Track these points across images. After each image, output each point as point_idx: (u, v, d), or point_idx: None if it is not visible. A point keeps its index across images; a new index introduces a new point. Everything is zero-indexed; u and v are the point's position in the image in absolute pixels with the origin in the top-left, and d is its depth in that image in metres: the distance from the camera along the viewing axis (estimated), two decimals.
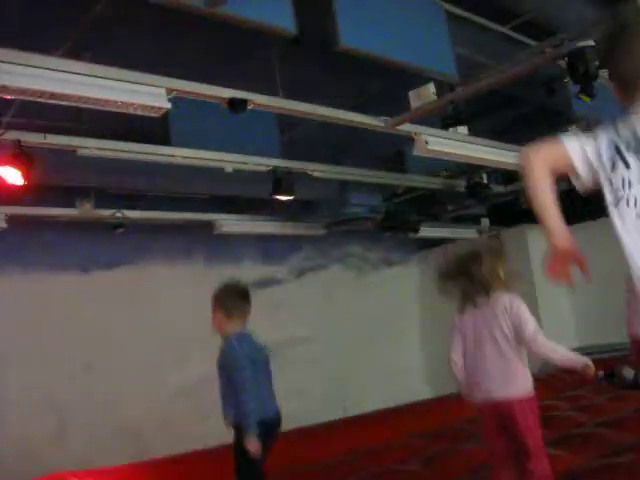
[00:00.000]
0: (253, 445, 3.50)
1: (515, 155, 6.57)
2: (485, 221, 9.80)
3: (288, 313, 8.28)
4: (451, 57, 4.93)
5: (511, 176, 8.17)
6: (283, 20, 3.91)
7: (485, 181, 7.71)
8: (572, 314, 9.08)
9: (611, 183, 1.76)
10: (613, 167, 1.75)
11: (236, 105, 4.42)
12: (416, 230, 8.58)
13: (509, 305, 3.51)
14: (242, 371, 3.62)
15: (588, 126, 6.69)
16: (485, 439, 3.65)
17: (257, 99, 4.56)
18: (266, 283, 8.42)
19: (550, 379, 7.05)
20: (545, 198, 1.80)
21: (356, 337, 8.94)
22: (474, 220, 9.76)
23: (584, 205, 8.63)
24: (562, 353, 3.43)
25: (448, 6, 4.94)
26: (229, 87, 4.44)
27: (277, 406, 3.84)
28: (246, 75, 4.85)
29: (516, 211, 8.87)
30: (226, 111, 4.47)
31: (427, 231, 8.80)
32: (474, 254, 3.69)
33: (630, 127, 1.75)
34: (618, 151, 1.75)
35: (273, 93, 4.78)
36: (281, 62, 4.88)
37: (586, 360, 3.38)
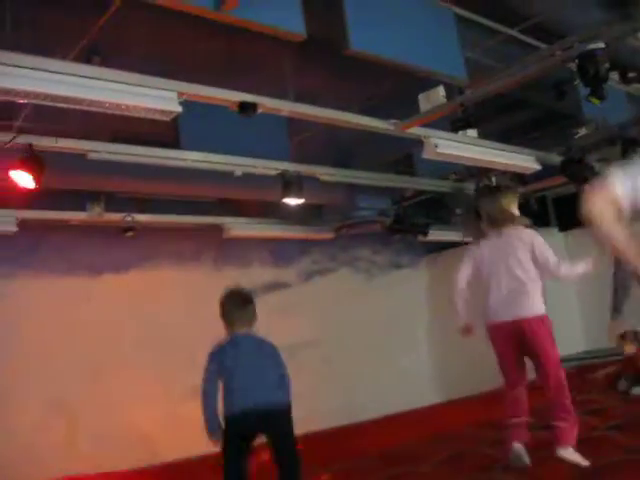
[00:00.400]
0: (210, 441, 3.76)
1: (524, 158, 6.57)
2: None
3: (297, 316, 8.27)
4: (460, 60, 4.94)
5: (520, 179, 8.15)
6: (293, 23, 3.92)
7: (494, 184, 7.68)
8: (580, 317, 9.02)
9: None
10: None
11: (246, 109, 4.44)
12: (425, 233, 8.56)
13: (527, 237, 3.93)
14: (203, 382, 3.79)
15: (597, 128, 6.68)
16: (499, 361, 3.97)
17: (267, 103, 4.57)
18: (275, 286, 8.42)
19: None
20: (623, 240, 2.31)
21: (365, 340, 8.91)
22: None
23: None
24: (579, 271, 3.84)
25: (457, 9, 4.95)
26: (239, 91, 4.45)
27: (257, 399, 3.74)
28: (256, 79, 4.86)
29: (525, 213, 8.80)
30: (236, 115, 4.49)
31: (436, 234, 8.76)
32: (490, 190, 4.11)
33: None
34: None
35: (283, 97, 4.79)
36: (291, 65, 4.89)
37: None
